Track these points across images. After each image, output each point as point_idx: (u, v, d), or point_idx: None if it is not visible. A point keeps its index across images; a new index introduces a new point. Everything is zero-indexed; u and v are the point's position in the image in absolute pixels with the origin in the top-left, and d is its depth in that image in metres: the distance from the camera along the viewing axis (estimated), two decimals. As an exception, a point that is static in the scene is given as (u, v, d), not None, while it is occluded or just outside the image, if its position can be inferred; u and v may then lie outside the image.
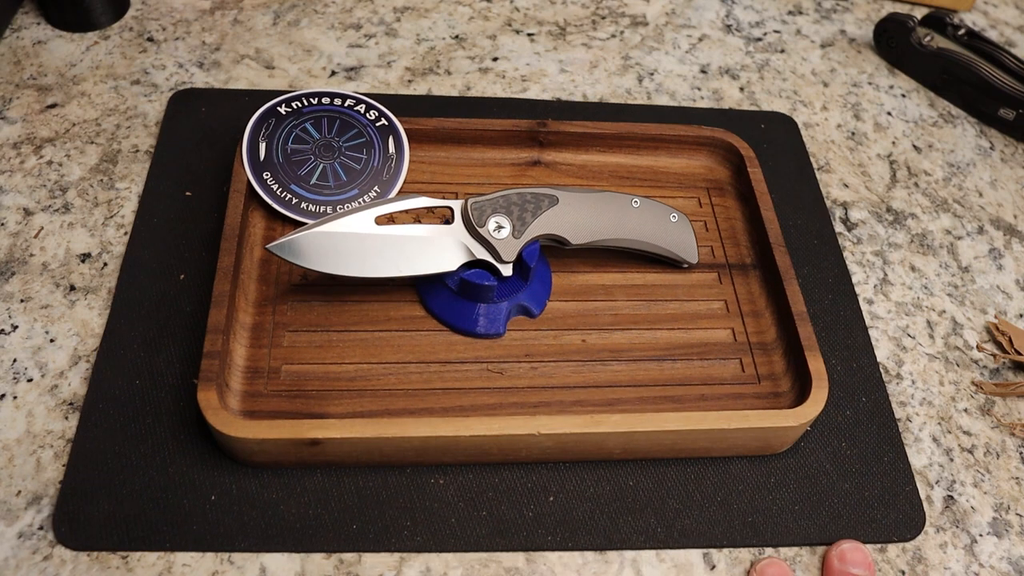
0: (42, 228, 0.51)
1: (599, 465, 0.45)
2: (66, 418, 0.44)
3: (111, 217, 0.52)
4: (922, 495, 0.46)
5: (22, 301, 0.48)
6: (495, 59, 0.64)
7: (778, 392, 0.47)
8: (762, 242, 0.52)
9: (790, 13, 0.73)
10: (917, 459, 0.47)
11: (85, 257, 0.50)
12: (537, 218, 0.46)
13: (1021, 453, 0.48)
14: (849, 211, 0.59)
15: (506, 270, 0.46)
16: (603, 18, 0.69)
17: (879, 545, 0.44)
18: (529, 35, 0.67)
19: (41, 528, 0.40)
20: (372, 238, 0.44)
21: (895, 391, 0.50)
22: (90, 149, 0.55)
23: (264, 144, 0.51)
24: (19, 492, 0.41)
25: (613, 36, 0.68)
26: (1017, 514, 0.46)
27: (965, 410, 0.50)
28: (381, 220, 0.46)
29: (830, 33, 0.71)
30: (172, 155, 0.54)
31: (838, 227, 0.57)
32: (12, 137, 0.55)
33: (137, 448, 0.42)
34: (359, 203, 0.50)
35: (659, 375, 0.47)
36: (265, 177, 0.50)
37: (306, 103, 0.53)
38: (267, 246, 0.44)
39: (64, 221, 0.51)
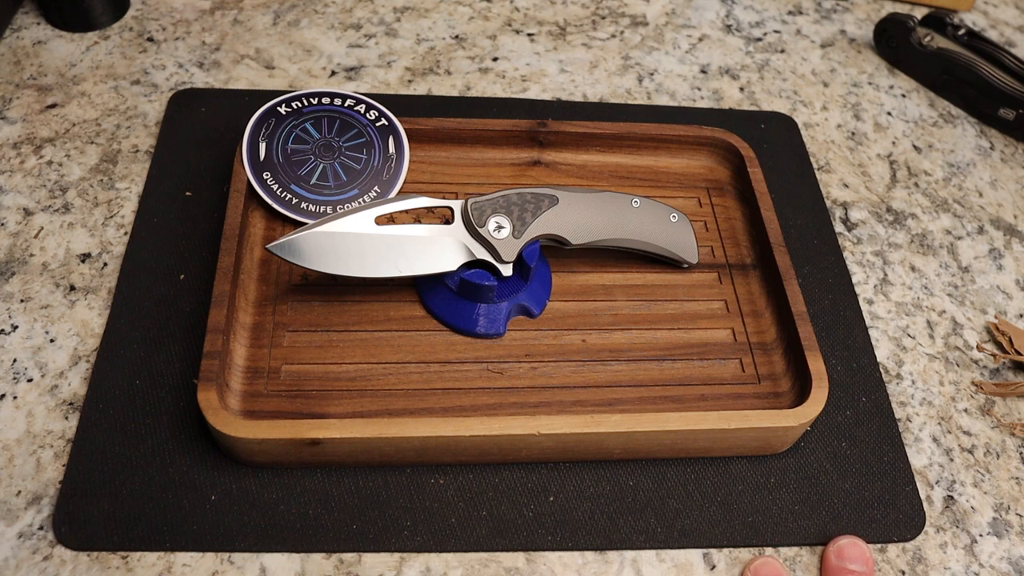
0: (42, 228, 0.51)
1: (599, 465, 0.45)
2: (66, 418, 0.44)
3: (111, 217, 0.52)
4: (922, 495, 0.46)
5: (22, 301, 0.48)
6: (495, 59, 0.64)
7: (778, 392, 0.47)
8: (762, 242, 0.52)
9: (790, 13, 0.73)
10: (917, 459, 0.47)
11: (85, 257, 0.50)
12: (537, 218, 0.46)
13: (1021, 453, 0.48)
14: (849, 211, 0.59)
15: (506, 270, 0.46)
16: (603, 18, 0.69)
17: (879, 545, 0.44)
18: (529, 35, 0.67)
19: (41, 528, 0.40)
20: (372, 238, 0.44)
21: (895, 391, 0.50)
22: (90, 149, 0.55)
23: (264, 144, 0.51)
24: (19, 492, 0.41)
25: (613, 36, 0.68)
26: (1017, 514, 0.46)
27: (965, 410, 0.50)
28: (381, 220, 0.46)
29: (830, 33, 0.71)
30: (172, 155, 0.54)
31: (838, 227, 0.57)
32: (12, 137, 0.55)
33: (137, 448, 0.42)
34: (359, 203, 0.50)
35: (659, 375, 0.47)
36: (265, 177, 0.50)
37: (306, 103, 0.53)
38: (267, 246, 0.44)
39: (64, 221, 0.51)
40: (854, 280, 0.55)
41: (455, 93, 0.61)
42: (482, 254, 0.46)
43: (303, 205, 0.50)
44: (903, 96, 0.67)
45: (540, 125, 0.55)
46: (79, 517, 0.40)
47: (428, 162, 0.55)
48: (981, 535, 0.45)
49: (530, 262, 0.46)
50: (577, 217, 0.47)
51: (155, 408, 0.44)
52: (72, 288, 0.48)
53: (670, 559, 0.43)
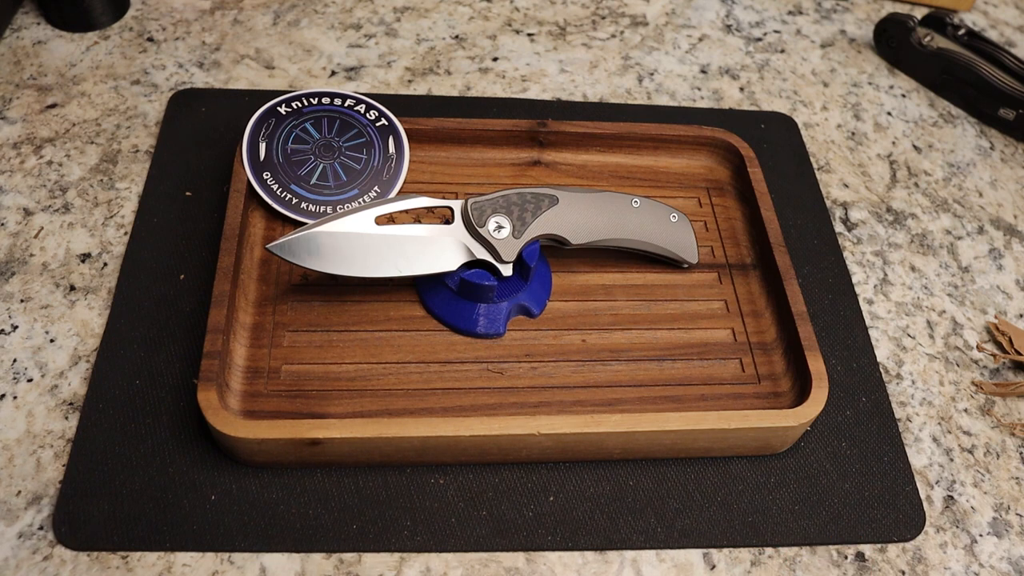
0: (42, 228, 0.51)
1: (599, 465, 0.45)
2: (66, 418, 0.44)
3: (111, 217, 0.52)
4: (922, 495, 0.46)
5: (22, 301, 0.48)
6: (495, 59, 0.64)
7: (778, 392, 0.47)
8: (762, 242, 0.52)
9: (790, 13, 0.73)
10: (917, 459, 0.47)
11: (85, 257, 0.50)
12: (537, 218, 0.46)
13: (1021, 453, 0.48)
14: (849, 211, 0.59)
15: (506, 270, 0.46)
16: (603, 18, 0.69)
17: (879, 545, 0.44)
18: (529, 35, 0.67)
19: (41, 528, 0.40)
20: (372, 238, 0.44)
21: (895, 391, 0.50)
22: (90, 149, 0.55)
23: (264, 144, 0.51)
24: (19, 492, 0.41)
25: (613, 36, 0.68)
26: (1017, 514, 0.46)
27: (965, 410, 0.50)
28: (381, 220, 0.46)
29: (830, 33, 0.71)
30: (172, 155, 0.54)
31: (838, 227, 0.57)
32: (12, 137, 0.55)
33: (137, 448, 0.42)
34: (359, 203, 0.50)
35: (659, 375, 0.47)
36: (265, 177, 0.50)
37: (306, 103, 0.53)
38: (267, 246, 0.44)
39: (64, 221, 0.51)
40: (854, 280, 0.55)
41: (455, 93, 0.61)
42: (482, 254, 0.46)
43: (303, 205, 0.50)
44: (903, 96, 0.67)
45: (540, 125, 0.55)
46: (79, 517, 0.40)
47: (428, 162, 0.55)
48: (981, 535, 0.45)
49: (530, 262, 0.46)
50: (577, 217, 0.47)
51: (155, 408, 0.44)
52: (72, 288, 0.48)
53: (670, 559, 0.43)
